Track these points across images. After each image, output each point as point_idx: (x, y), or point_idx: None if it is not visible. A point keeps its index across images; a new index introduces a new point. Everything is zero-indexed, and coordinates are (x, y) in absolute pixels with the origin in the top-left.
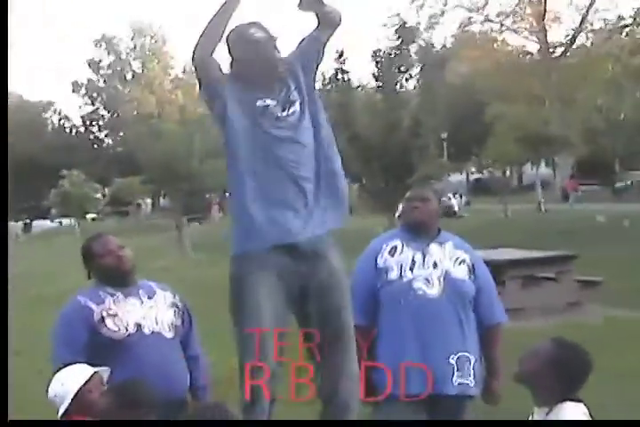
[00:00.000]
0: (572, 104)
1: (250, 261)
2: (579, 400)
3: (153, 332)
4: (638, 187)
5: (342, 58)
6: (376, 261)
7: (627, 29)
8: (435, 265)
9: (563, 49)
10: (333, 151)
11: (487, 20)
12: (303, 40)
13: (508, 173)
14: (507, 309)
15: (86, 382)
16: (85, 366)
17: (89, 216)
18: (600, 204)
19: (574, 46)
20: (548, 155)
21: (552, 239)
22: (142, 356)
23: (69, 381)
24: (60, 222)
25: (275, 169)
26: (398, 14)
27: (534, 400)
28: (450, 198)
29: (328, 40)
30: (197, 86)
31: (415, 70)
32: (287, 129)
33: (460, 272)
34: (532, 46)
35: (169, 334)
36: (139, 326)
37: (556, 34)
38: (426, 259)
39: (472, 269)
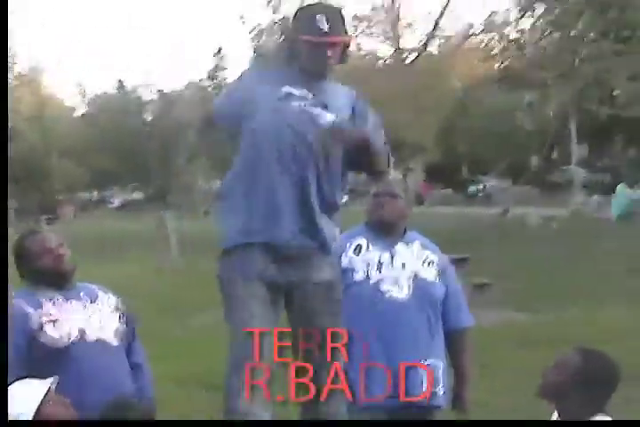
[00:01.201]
0: (423, 109)
1: (239, 259)
2: (608, 413)
3: (97, 339)
4: (489, 191)
5: (221, 54)
6: (340, 260)
7: (478, 38)
8: (403, 266)
9: (415, 55)
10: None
11: None
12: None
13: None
14: None
15: (45, 395)
16: (39, 381)
17: None
18: (452, 207)
19: (425, 53)
20: (402, 159)
21: None
22: (86, 365)
23: (29, 398)
24: None
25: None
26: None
27: (560, 415)
28: None
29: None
30: (43, 84)
31: None
32: (303, 124)
33: (430, 274)
34: (386, 51)
35: (114, 342)
36: (82, 332)
37: (410, 40)
38: (394, 259)
39: (441, 271)
